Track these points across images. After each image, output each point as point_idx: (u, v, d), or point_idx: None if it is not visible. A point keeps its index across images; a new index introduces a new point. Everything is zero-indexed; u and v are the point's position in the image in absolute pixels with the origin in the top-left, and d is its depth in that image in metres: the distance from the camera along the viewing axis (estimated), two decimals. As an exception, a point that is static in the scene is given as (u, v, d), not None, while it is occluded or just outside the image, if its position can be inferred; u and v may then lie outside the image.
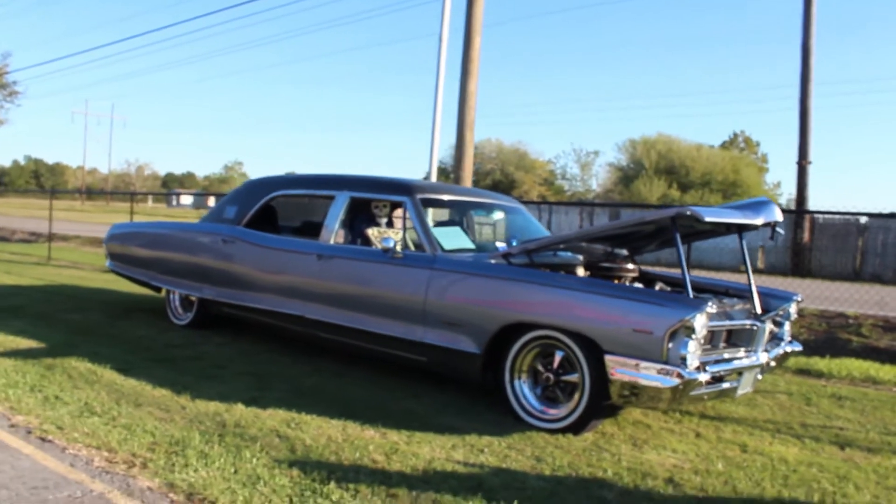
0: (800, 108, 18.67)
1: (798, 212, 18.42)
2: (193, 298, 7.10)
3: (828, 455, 4.41)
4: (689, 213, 4.43)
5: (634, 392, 4.24)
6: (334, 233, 5.89)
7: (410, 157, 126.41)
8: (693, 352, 4.12)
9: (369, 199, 6.11)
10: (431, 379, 5.54)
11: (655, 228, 5.00)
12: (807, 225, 18.67)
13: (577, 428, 4.44)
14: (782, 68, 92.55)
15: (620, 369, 4.22)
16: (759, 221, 4.73)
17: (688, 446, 4.39)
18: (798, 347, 5.48)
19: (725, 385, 4.54)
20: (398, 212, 6.60)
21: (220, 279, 6.63)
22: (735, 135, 58.26)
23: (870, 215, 14.20)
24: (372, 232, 5.99)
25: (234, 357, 6.02)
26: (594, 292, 4.41)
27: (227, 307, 6.63)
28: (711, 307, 4.24)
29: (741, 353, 4.76)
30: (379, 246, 5.81)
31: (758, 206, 4.81)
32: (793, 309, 5.40)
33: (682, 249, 4.56)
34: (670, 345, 4.08)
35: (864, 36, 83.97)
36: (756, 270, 20.79)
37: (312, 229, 7.22)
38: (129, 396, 4.62)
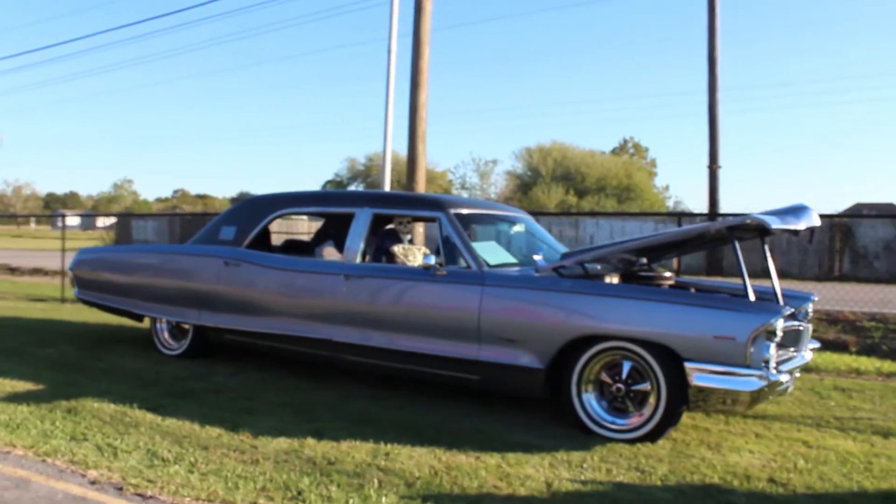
0: (708, 116, 19.73)
1: (710, 214, 19.41)
2: (187, 326, 6.64)
3: (881, 445, 4.65)
4: (749, 221, 4.58)
5: (714, 397, 4.31)
6: (360, 252, 5.66)
7: (305, 172, 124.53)
8: (774, 354, 4.25)
9: (394, 214, 5.94)
10: (469, 396, 5.43)
11: (690, 238, 5.13)
12: (719, 226, 19.75)
13: (654, 436, 4.47)
14: (670, 75, 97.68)
15: (700, 376, 4.29)
16: (802, 226, 4.93)
17: (757, 446, 4.52)
18: (817, 345, 5.75)
19: (783, 385, 4.71)
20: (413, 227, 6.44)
21: (222, 305, 6.23)
22: (625, 140, 61.03)
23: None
24: (398, 249, 5.81)
25: (254, 387, 5.67)
26: (674, 302, 4.46)
27: (230, 334, 6.23)
28: (788, 310, 4.38)
29: (791, 352, 4.95)
30: (410, 263, 5.66)
31: (798, 211, 5.01)
32: (810, 308, 5.67)
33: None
34: (752, 349, 4.19)
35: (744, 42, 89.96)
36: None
37: (305, 248, 6.97)
38: (187, 439, 4.25)
